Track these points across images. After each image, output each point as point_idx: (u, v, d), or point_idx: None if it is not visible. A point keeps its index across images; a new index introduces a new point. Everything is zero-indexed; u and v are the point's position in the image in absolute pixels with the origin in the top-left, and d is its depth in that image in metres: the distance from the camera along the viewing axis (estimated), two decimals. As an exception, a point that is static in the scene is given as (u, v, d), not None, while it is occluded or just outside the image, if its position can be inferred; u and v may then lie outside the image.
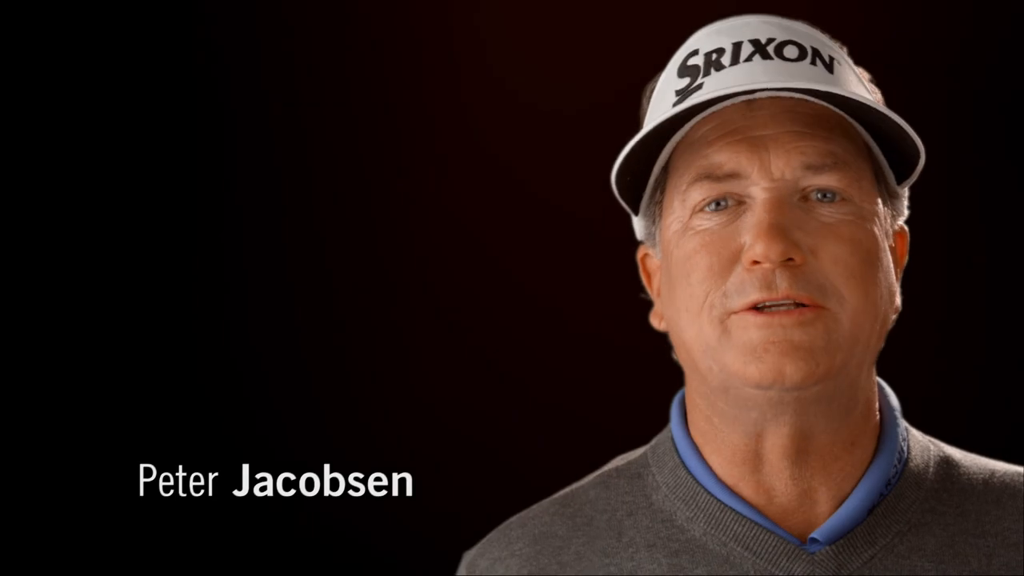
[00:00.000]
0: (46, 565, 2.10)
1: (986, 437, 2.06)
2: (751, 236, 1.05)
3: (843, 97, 1.06)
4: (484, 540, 1.20)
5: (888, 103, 1.19)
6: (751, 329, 1.04)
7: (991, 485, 1.15)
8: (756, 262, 1.04)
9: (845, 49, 1.15)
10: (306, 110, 2.21)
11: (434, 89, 2.21)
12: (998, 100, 2.18)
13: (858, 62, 1.17)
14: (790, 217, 1.05)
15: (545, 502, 1.21)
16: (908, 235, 1.17)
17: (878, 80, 1.18)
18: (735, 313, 1.05)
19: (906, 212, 1.16)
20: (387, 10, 2.22)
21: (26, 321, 2.12)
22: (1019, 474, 1.17)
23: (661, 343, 1.21)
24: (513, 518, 1.21)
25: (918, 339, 2.11)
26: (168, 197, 2.17)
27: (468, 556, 1.20)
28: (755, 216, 1.05)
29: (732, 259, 1.06)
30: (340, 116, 2.20)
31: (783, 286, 1.03)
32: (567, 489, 1.22)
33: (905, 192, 1.15)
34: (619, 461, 1.21)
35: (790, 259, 1.04)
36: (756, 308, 1.04)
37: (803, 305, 1.04)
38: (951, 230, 2.18)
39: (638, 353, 1.30)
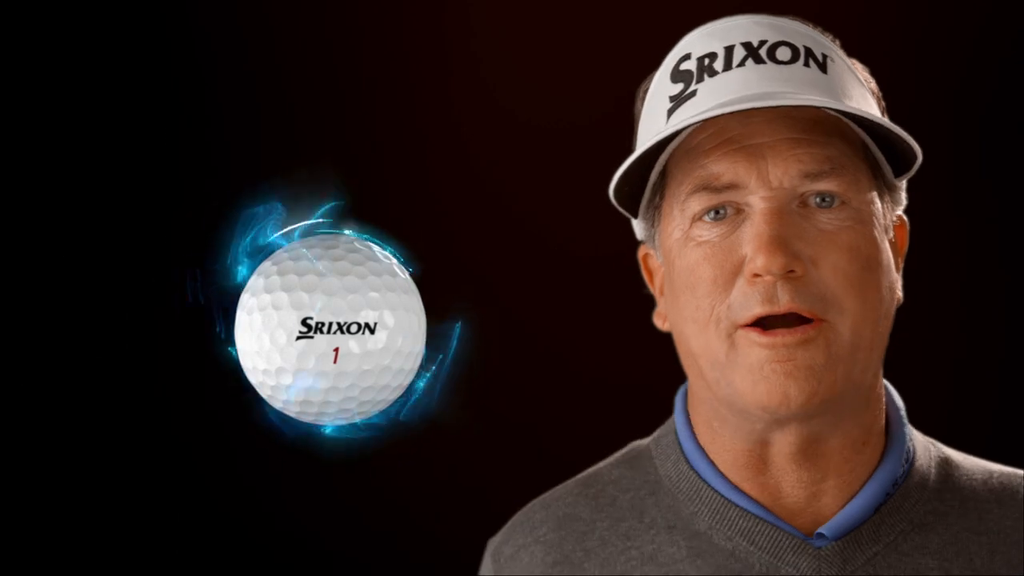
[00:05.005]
0: (47, 565, 2.10)
1: (999, 437, 2.05)
2: (752, 248, 1.05)
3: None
4: (508, 525, 1.20)
5: (893, 100, 1.18)
6: (756, 348, 1.05)
7: (990, 485, 1.16)
8: (758, 275, 1.04)
9: (838, 42, 1.14)
10: (304, 109, 2.20)
11: (426, 103, 2.21)
12: (1006, 99, 2.18)
13: (862, 58, 1.17)
14: (790, 226, 1.05)
15: (569, 483, 1.21)
16: (907, 224, 1.16)
17: (884, 76, 1.17)
18: (741, 327, 1.05)
19: (904, 202, 1.15)
20: (382, 19, 2.21)
21: (27, 322, 2.11)
22: (1016, 475, 1.18)
23: (657, 355, 1.21)
24: (537, 500, 1.20)
25: (930, 339, 2.11)
26: (168, 197, 2.16)
27: (493, 543, 1.20)
28: (755, 228, 1.05)
29: (735, 271, 1.06)
30: (338, 118, 2.20)
31: (785, 299, 1.04)
32: (590, 469, 1.21)
33: (903, 183, 1.15)
34: (636, 444, 1.21)
35: (791, 271, 1.03)
36: (760, 324, 1.04)
37: (805, 320, 1.04)
38: (956, 228, 2.17)
39: (639, 366, 1.29)
